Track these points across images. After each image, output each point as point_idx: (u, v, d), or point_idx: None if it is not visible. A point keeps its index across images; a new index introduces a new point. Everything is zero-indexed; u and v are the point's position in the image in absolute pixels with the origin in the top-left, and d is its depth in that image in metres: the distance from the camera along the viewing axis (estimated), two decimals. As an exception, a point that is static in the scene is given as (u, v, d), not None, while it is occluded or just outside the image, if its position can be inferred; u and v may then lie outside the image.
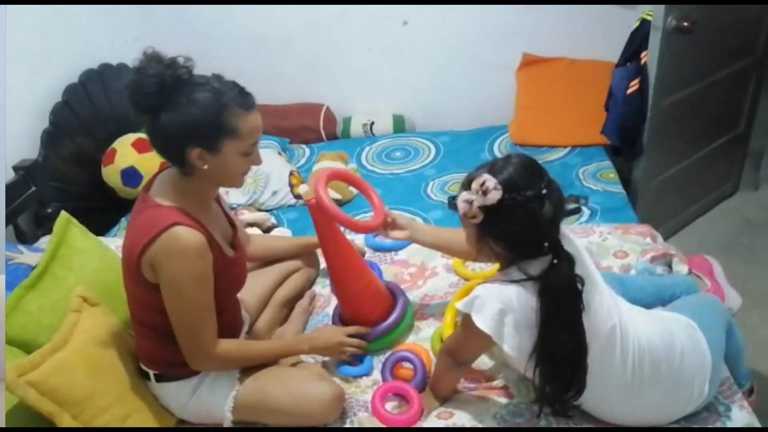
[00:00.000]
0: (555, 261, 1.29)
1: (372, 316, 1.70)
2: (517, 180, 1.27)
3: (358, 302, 1.71)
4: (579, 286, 1.29)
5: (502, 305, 1.30)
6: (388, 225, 1.71)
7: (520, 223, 1.28)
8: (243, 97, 1.37)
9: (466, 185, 1.32)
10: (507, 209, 1.27)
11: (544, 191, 1.26)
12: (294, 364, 1.64)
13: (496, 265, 1.88)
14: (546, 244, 1.29)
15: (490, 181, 1.26)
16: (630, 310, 1.42)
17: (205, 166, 1.37)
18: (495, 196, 1.26)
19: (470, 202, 1.29)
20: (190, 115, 1.32)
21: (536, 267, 1.30)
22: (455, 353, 1.46)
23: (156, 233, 1.34)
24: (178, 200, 1.41)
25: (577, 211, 2.32)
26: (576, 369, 1.31)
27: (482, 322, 1.31)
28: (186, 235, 1.35)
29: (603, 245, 1.94)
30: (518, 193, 1.26)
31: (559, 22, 2.87)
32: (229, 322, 1.57)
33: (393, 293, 1.78)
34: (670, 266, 1.83)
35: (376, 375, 1.65)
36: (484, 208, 1.28)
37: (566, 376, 1.32)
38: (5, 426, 1.38)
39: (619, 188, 2.44)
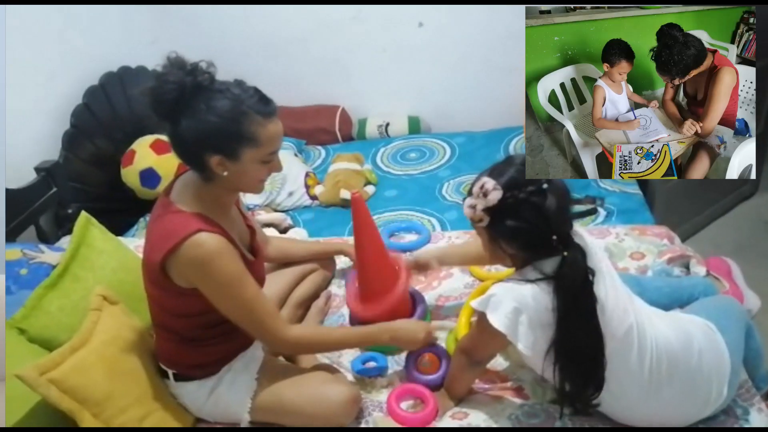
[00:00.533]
0: (566, 253, 1.29)
1: (392, 318, 1.70)
2: (518, 178, 1.29)
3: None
4: (591, 277, 1.29)
5: (517, 304, 1.31)
6: (416, 270, 1.77)
7: (526, 219, 1.28)
8: (263, 105, 1.35)
9: (470, 191, 1.34)
10: (510, 207, 1.28)
11: (544, 186, 1.27)
12: (311, 366, 1.66)
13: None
14: (555, 238, 1.28)
15: (489, 183, 1.29)
16: (646, 311, 1.42)
17: (225, 173, 1.37)
18: (495, 196, 1.28)
19: (474, 207, 1.31)
20: (208, 123, 1.31)
21: (550, 265, 1.30)
22: (470, 352, 1.46)
23: (179, 240, 1.34)
24: (198, 205, 1.41)
25: (594, 212, 2.29)
26: (594, 364, 1.31)
27: (497, 320, 1.32)
28: (210, 240, 1.35)
29: (619, 246, 1.93)
30: (519, 190, 1.27)
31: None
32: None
33: (413, 298, 1.79)
34: (687, 268, 1.81)
35: (392, 375, 1.65)
36: (488, 210, 1.30)
37: (585, 371, 1.32)
38: (5, 426, 1.40)
39: (635, 189, 2.42)
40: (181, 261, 1.35)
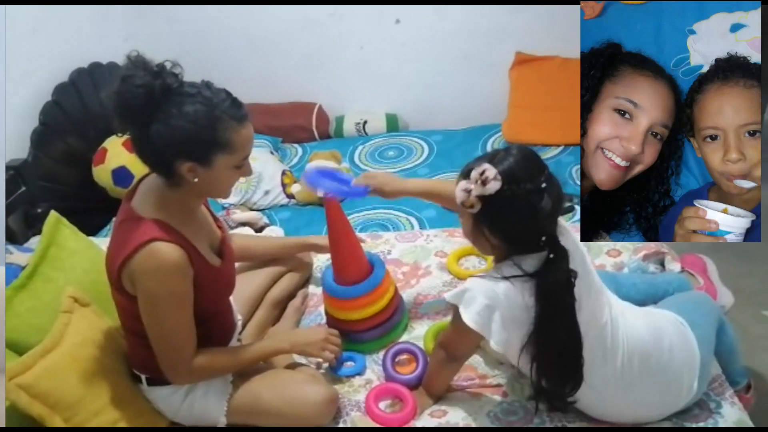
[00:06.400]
0: (551, 256, 1.27)
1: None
2: (517, 172, 1.26)
3: None
4: (573, 280, 1.29)
5: (489, 301, 1.30)
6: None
7: (517, 216, 1.27)
8: (236, 109, 1.30)
9: (466, 174, 1.31)
10: (505, 201, 1.26)
11: (543, 185, 1.26)
12: (287, 366, 1.64)
13: (490, 264, 1.88)
14: (543, 238, 1.27)
15: (491, 171, 1.25)
16: (619, 306, 1.42)
17: (195, 180, 1.32)
18: (494, 186, 1.25)
19: (468, 191, 1.28)
20: (181, 129, 1.25)
21: (530, 263, 1.30)
22: (448, 347, 1.46)
23: (133, 249, 1.29)
24: (160, 211, 1.35)
25: (570, 209, 2.32)
26: (573, 362, 1.31)
27: (469, 317, 1.32)
28: (164, 250, 1.30)
29: (596, 244, 1.94)
30: (517, 185, 1.25)
31: (551, 21, 2.87)
32: (221, 326, 1.56)
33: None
34: (662, 264, 1.83)
35: (369, 375, 1.64)
36: (483, 198, 1.27)
37: (564, 370, 1.32)
38: (4, 426, 1.37)
39: (611, 187, 2.44)
40: (132, 269, 1.31)
